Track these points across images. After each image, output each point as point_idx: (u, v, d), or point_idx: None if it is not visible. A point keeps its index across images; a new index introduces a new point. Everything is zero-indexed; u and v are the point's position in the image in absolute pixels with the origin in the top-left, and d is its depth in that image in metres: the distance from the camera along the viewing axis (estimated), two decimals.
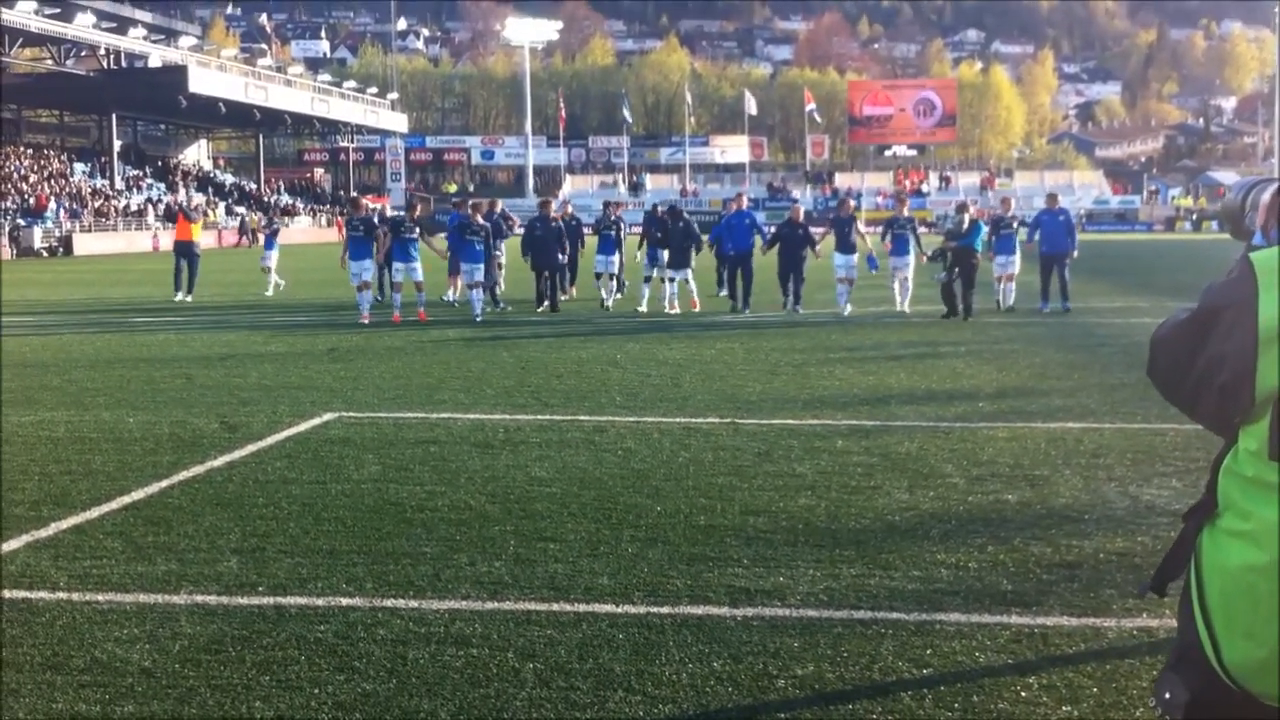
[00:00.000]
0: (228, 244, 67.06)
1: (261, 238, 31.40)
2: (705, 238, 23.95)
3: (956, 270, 20.38)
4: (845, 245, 22.02)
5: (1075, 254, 22.33)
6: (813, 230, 23.39)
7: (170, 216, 28.74)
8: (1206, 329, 2.38)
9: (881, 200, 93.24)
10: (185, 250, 26.02)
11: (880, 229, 23.42)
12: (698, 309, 22.29)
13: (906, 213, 23.14)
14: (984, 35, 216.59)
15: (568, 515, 7.31)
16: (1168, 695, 2.41)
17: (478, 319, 20.74)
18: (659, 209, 25.27)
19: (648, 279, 23.22)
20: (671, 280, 22.36)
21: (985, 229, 21.40)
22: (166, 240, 31.52)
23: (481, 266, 21.53)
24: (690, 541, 6.74)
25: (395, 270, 21.13)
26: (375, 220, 22.21)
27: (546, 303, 22.73)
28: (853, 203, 26.06)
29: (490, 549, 6.61)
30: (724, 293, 23.18)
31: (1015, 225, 23.08)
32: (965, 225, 20.62)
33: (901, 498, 7.73)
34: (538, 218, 23.55)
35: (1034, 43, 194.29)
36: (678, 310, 22.10)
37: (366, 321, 20.21)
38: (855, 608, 5.65)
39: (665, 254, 22.91)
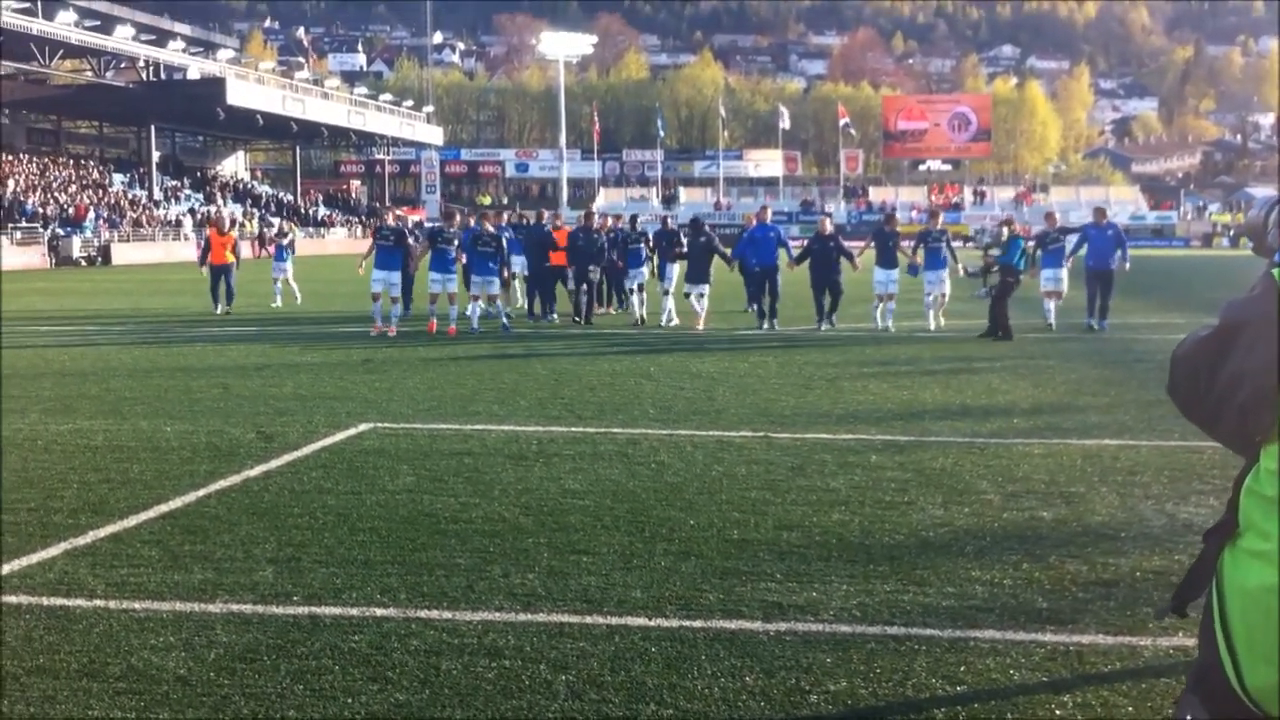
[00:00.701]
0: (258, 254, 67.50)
1: (272, 249, 30.21)
2: (729, 250, 23.62)
3: (993, 287, 19.90)
4: (888, 260, 21.51)
5: (1127, 266, 21.64)
6: (846, 244, 22.45)
7: (204, 237, 27.86)
8: (1228, 345, 2.34)
9: (915, 214, 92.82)
10: (221, 271, 25.48)
11: (913, 243, 22.88)
12: (701, 328, 21.47)
13: (940, 226, 22.44)
14: (1019, 50, 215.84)
15: (601, 528, 7.32)
16: (1189, 718, 2.38)
17: (507, 329, 20.72)
18: (669, 222, 24.63)
19: (666, 292, 22.76)
20: (701, 296, 21.83)
21: (1025, 244, 20.64)
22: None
23: (496, 280, 21.02)
24: (723, 555, 6.74)
25: (433, 281, 20.69)
26: (405, 231, 21.83)
27: (582, 314, 22.60)
28: (899, 218, 25.28)
29: (523, 561, 6.62)
30: (753, 308, 22.85)
31: (1063, 240, 22.15)
32: (1004, 239, 20.10)
33: (936, 513, 7.70)
34: (580, 228, 23.42)
35: (1070, 58, 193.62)
36: (700, 327, 21.45)
37: (392, 334, 20.06)
38: (889, 623, 5.63)
39: (673, 268, 22.56)
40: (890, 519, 7.55)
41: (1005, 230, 20.34)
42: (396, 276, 20.89)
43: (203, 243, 26.61)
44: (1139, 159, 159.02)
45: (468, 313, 20.94)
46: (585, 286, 22.79)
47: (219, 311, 25.16)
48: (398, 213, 26.46)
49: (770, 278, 21.75)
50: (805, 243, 22.84)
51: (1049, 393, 13.56)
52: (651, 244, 23.40)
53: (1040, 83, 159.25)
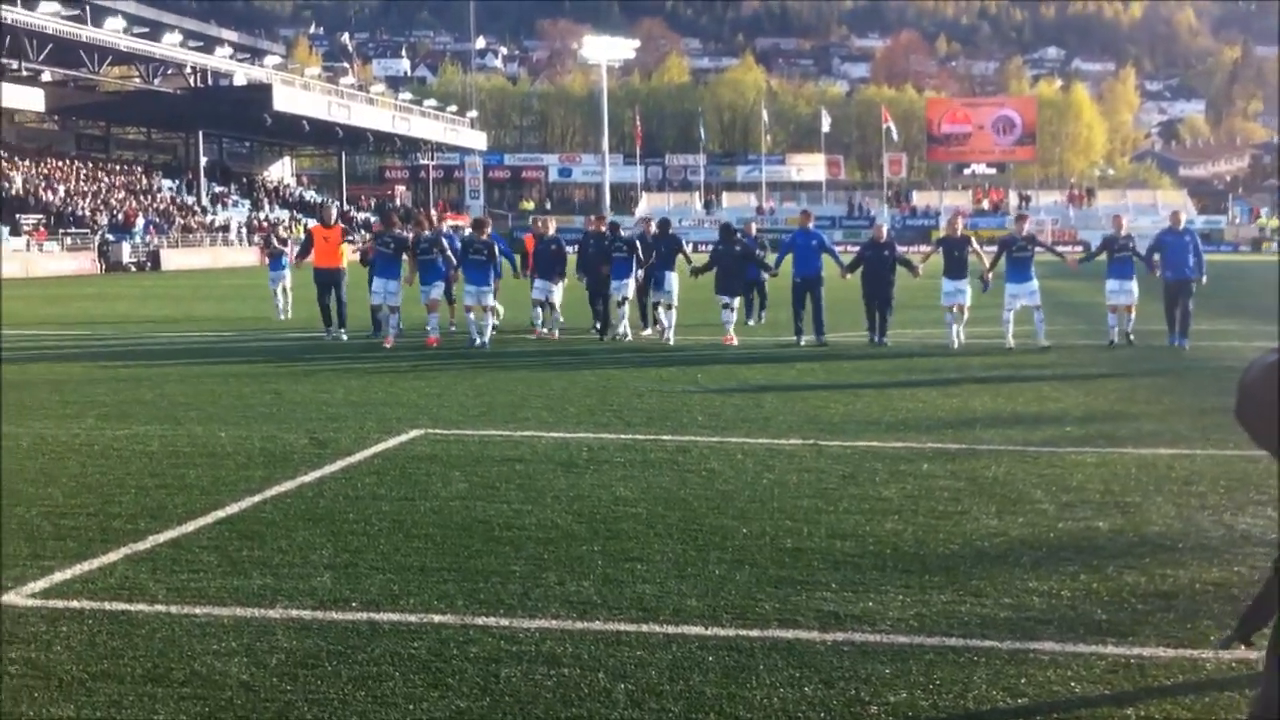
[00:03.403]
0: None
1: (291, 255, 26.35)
2: (764, 255, 22.48)
3: None
4: (957, 269, 19.45)
5: (1204, 280, 19.66)
6: (902, 250, 20.82)
7: (306, 232, 23.55)
8: None
9: (962, 220, 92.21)
10: (329, 279, 21.27)
11: (994, 250, 20.54)
12: (734, 343, 19.79)
13: (1026, 230, 20.06)
14: (1064, 53, 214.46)
15: (654, 536, 7.33)
16: None
17: (485, 346, 19.16)
18: (651, 227, 21.56)
19: (667, 305, 20.53)
20: (670, 308, 20.38)
21: None
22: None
23: (490, 289, 19.68)
24: (777, 564, 6.73)
25: (467, 294, 19.76)
26: (409, 238, 20.17)
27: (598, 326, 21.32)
28: (961, 221, 21.59)
29: (578, 568, 6.64)
30: (648, 331, 21.13)
31: (1131, 246, 19.93)
32: None
33: (990, 523, 7.66)
34: (591, 235, 22.11)
35: (1115, 60, 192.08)
36: (734, 341, 19.89)
37: (388, 345, 19.19)
38: (947, 634, 5.61)
39: (673, 277, 20.32)
40: (944, 528, 7.52)
41: None
42: (395, 285, 19.51)
43: (300, 241, 23.74)
44: (1186, 162, 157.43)
45: (467, 326, 19.81)
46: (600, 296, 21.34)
47: (330, 336, 21.10)
48: (435, 218, 25.41)
49: (813, 289, 20.00)
50: (857, 250, 21.13)
51: (1100, 400, 13.45)
52: (641, 252, 20.81)
53: (1085, 85, 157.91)
